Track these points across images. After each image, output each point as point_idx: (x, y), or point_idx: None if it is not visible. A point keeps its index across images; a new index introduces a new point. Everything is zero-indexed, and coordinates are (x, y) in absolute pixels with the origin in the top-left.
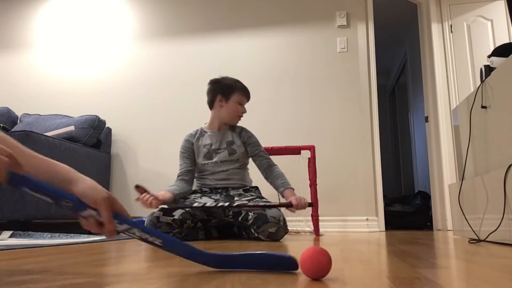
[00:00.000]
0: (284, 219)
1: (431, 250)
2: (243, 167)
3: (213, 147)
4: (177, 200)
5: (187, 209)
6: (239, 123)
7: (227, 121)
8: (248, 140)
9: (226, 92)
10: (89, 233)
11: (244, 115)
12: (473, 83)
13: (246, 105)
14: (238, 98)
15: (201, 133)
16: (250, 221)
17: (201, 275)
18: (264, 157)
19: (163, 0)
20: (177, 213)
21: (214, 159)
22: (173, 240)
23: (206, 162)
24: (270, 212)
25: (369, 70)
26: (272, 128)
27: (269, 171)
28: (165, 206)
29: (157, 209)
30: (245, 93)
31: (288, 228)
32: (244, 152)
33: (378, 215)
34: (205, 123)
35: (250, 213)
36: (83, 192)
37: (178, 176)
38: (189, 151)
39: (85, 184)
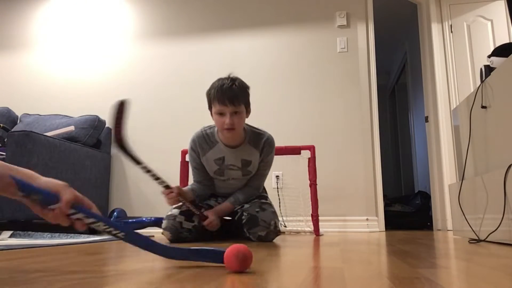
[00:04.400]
0: (275, 223)
1: (431, 250)
2: None
3: (225, 162)
4: (196, 199)
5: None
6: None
7: (223, 135)
8: (264, 159)
9: (208, 105)
10: (90, 232)
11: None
12: (473, 83)
13: (251, 103)
14: (216, 110)
15: (212, 141)
16: (244, 221)
17: (201, 275)
18: (260, 179)
19: (164, 0)
20: (196, 219)
21: (225, 177)
22: (133, 233)
23: (216, 177)
24: (262, 215)
25: (369, 70)
26: (272, 128)
27: (244, 186)
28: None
29: (177, 212)
30: (221, 100)
31: (288, 228)
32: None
33: (378, 215)
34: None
35: (244, 213)
36: (45, 183)
37: (196, 183)
38: (199, 163)
39: (44, 179)
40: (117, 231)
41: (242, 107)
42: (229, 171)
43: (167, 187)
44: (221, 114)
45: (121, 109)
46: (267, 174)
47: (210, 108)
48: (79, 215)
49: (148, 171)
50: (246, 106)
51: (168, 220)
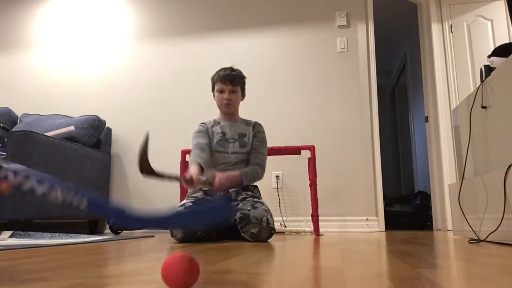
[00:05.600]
0: (267, 219)
1: (431, 250)
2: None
3: (226, 136)
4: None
5: None
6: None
7: (222, 112)
8: (256, 134)
9: (212, 86)
10: (90, 232)
11: (244, 114)
12: (473, 83)
13: (250, 102)
14: (218, 87)
15: (215, 122)
16: (237, 220)
17: (201, 275)
18: (259, 156)
19: (164, 0)
20: None
21: (226, 149)
22: (99, 199)
23: (218, 149)
24: (253, 213)
25: (369, 70)
26: (272, 128)
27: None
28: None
29: (182, 207)
30: (222, 80)
31: (288, 228)
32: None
33: (378, 215)
34: (217, 116)
35: (238, 213)
36: None
37: (196, 146)
38: (205, 131)
39: None
40: (79, 199)
41: (238, 88)
42: (229, 144)
43: (186, 180)
44: (221, 92)
45: (146, 142)
46: (264, 153)
47: (213, 89)
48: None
49: (176, 178)
50: (241, 89)
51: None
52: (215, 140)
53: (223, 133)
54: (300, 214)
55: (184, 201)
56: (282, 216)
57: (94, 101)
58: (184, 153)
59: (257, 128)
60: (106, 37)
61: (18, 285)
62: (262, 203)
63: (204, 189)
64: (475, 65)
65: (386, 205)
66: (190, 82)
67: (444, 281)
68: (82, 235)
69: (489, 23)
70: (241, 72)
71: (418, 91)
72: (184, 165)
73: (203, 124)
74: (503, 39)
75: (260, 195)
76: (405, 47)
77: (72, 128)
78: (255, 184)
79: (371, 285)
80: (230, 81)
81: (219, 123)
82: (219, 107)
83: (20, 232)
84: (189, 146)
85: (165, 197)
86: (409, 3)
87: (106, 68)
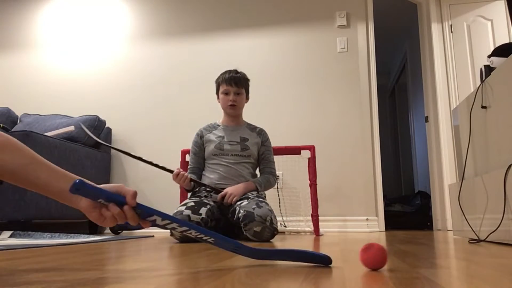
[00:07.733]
0: (271, 219)
1: (431, 250)
2: (253, 166)
3: (225, 139)
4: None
5: (208, 207)
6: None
7: (226, 114)
8: (264, 143)
9: (216, 89)
10: (90, 232)
11: (245, 113)
12: (473, 83)
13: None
14: (223, 89)
15: (214, 126)
16: (240, 218)
17: (201, 275)
18: (269, 165)
19: (164, 0)
20: (203, 212)
21: (225, 151)
22: (222, 237)
23: (216, 152)
24: (258, 211)
25: (369, 70)
26: (272, 128)
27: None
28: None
29: (184, 207)
30: (227, 82)
31: (288, 228)
32: (257, 152)
33: (378, 215)
34: (220, 119)
35: (241, 210)
36: (104, 187)
37: (189, 169)
38: (199, 146)
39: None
40: (208, 237)
41: (243, 90)
42: (228, 145)
43: (171, 171)
44: (226, 94)
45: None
46: (273, 161)
47: (217, 92)
48: (159, 220)
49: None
50: (246, 91)
51: (176, 215)
52: (212, 143)
53: (222, 137)
54: (300, 214)
55: (187, 200)
56: (282, 216)
57: (94, 101)
58: (184, 153)
59: (263, 136)
60: (106, 37)
61: (18, 285)
62: (267, 203)
63: (207, 189)
64: (475, 65)
65: (386, 205)
66: (190, 82)
67: (444, 281)
68: (82, 235)
69: (489, 23)
70: (245, 74)
71: (418, 91)
72: (184, 165)
73: (198, 134)
74: (503, 39)
75: (265, 197)
76: (405, 47)
77: (72, 128)
78: None
79: (371, 285)
80: (235, 83)
81: (219, 125)
82: (224, 109)
83: (20, 232)
84: (189, 146)
85: (164, 198)
86: (409, 3)
87: (106, 68)
